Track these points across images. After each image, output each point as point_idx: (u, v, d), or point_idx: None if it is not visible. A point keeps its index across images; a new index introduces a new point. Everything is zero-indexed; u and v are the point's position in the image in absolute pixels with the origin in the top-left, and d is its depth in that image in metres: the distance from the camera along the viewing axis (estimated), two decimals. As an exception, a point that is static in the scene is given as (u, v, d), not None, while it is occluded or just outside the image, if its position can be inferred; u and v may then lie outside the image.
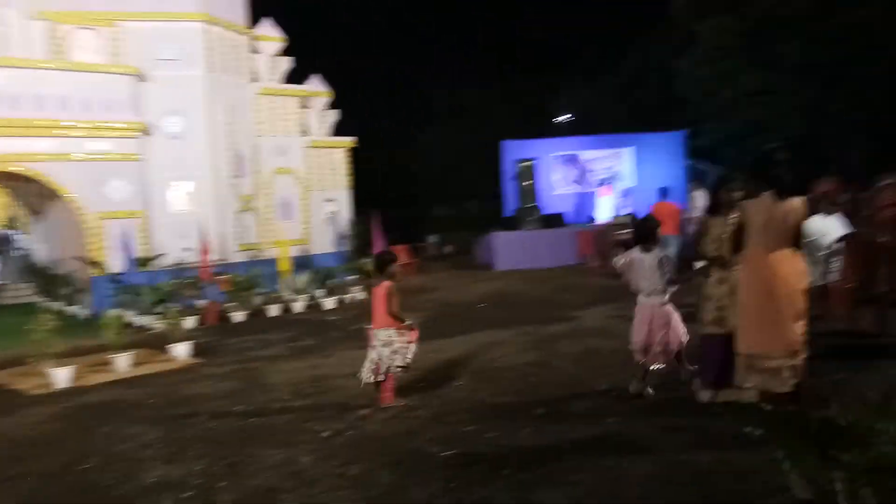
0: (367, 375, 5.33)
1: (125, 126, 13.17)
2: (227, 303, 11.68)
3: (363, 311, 10.90)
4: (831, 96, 19.10)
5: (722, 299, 4.48)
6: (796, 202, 4.01)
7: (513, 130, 25.32)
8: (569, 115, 33.07)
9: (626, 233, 14.71)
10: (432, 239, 25.41)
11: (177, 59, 14.05)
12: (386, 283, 5.31)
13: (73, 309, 13.33)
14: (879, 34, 17.85)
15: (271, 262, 14.13)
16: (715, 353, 4.47)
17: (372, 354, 5.31)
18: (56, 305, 14.12)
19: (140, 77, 13.62)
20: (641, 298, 4.95)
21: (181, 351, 7.80)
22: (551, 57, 36.58)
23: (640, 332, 4.90)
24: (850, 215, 7.10)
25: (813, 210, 6.78)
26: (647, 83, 28.24)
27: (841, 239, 6.59)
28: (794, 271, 3.99)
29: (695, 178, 15.99)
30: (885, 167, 9.72)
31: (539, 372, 6.24)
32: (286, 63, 16.68)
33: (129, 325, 8.15)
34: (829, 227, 6.70)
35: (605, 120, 29.85)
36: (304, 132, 16.47)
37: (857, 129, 19.18)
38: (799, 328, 4.00)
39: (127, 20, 13.83)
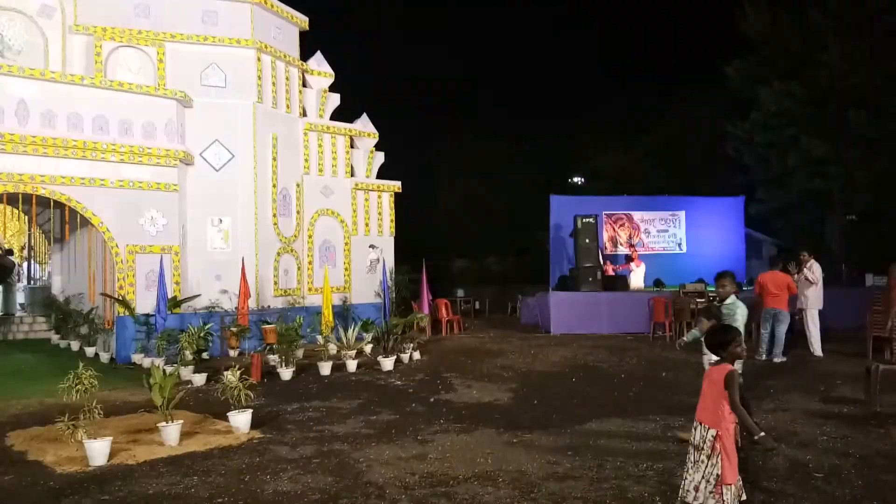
0: (691, 496, 3.84)
1: (165, 153, 12.07)
2: (269, 354, 10.32)
3: (431, 377, 9.47)
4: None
5: None
6: None
7: (532, 188, 24.04)
8: (581, 178, 32.33)
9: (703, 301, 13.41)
10: (460, 293, 24.12)
11: (224, 86, 13.09)
12: (727, 367, 3.90)
13: (92, 350, 11.95)
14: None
15: (312, 311, 12.85)
16: None
17: (691, 470, 3.88)
18: (72, 345, 12.77)
19: (184, 102, 12.61)
20: None
21: (240, 421, 6.38)
22: (580, 115, 36.02)
23: None
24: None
25: None
26: (688, 146, 27.43)
27: None
28: None
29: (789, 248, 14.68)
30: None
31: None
32: (334, 100, 15.74)
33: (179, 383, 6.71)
34: None
35: (640, 182, 28.95)
36: (350, 173, 15.39)
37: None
38: None
39: (174, 41, 12.90)
